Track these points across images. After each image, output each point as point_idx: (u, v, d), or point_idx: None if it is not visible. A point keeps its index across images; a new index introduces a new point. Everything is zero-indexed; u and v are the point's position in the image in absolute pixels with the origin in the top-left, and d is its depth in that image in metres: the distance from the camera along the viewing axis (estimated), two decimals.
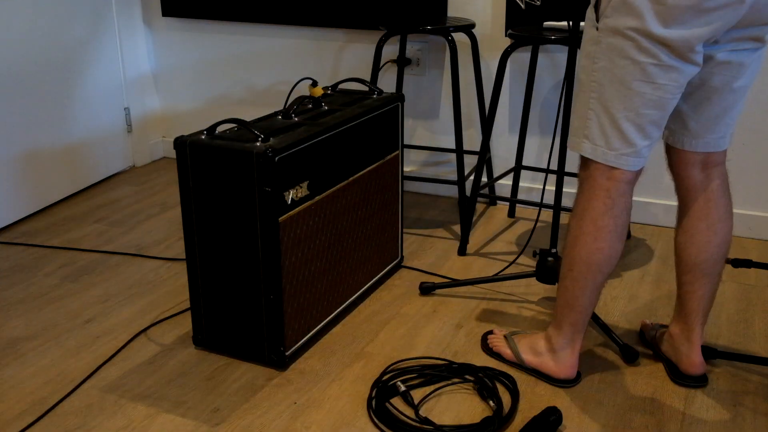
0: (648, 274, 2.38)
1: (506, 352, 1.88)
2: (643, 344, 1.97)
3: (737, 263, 1.92)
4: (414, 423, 1.64)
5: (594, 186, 1.60)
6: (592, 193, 1.60)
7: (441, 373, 1.82)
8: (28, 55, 2.83)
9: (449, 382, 1.80)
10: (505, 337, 1.93)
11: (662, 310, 2.15)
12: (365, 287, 2.22)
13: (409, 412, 1.70)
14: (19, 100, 2.81)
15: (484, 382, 1.77)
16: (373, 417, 1.68)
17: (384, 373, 1.83)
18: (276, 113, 2.03)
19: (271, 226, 1.75)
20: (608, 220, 1.60)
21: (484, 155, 2.55)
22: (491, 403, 1.69)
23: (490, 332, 1.99)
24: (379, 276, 2.28)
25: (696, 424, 1.66)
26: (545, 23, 2.46)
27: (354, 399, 1.76)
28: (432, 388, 1.79)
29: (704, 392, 1.78)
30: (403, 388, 1.74)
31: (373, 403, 1.72)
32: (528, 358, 1.84)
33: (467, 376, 1.82)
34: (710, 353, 1.87)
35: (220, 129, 1.84)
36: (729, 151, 2.61)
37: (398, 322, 2.09)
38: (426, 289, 2.25)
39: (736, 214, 2.64)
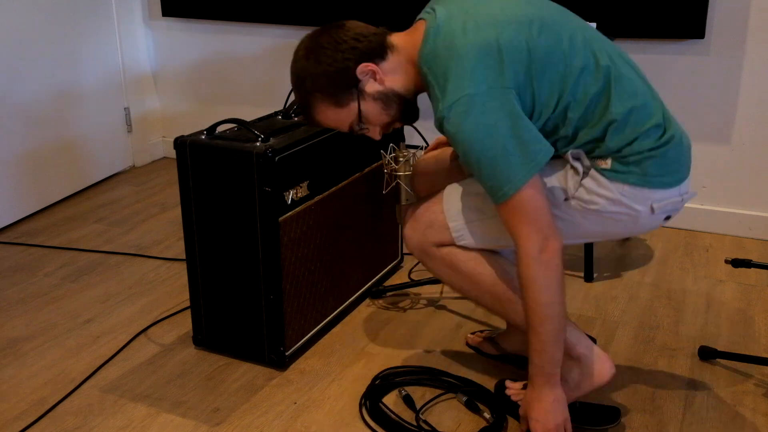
0: (648, 274, 2.38)
1: None
2: (481, 353, 1.88)
3: (737, 263, 1.92)
4: (413, 428, 1.64)
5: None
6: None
7: (434, 382, 1.80)
8: (29, 54, 2.83)
9: (443, 391, 1.77)
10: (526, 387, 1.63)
11: (662, 310, 2.15)
12: (365, 287, 2.22)
13: (407, 415, 1.70)
14: (19, 100, 2.81)
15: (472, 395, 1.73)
16: (366, 417, 1.68)
17: (376, 378, 1.83)
18: (276, 113, 2.03)
19: (271, 226, 1.75)
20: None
21: None
22: (486, 414, 1.67)
23: (503, 386, 1.71)
24: (379, 276, 2.28)
25: (696, 424, 1.66)
26: None
27: (354, 399, 1.76)
28: (426, 391, 1.79)
29: (704, 392, 1.78)
30: (404, 392, 1.74)
31: (367, 403, 1.72)
32: (569, 395, 1.56)
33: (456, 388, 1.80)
34: (710, 353, 1.87)
35: (220, 129, 1.84)
36: (729, 150, 2.62)
37: (398, 322, 2.09)
38: (377, 294, 2.23)
39: (736, 214, 2.64)
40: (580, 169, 1.47)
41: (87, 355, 1.95)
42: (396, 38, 1.51)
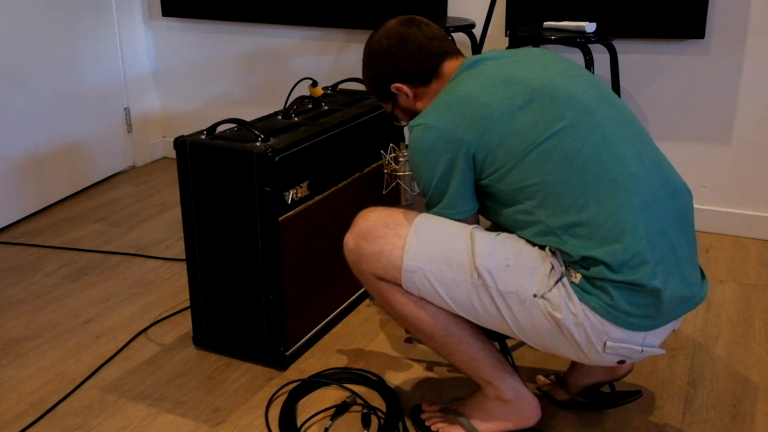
0: None
1: None
2: (551, 400, 1.75)
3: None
4: None
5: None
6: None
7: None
8: (29, 54, 2.83)
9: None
10: (444, 412, 1.65)
11: None
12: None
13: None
14: (19, 100, 2.81)
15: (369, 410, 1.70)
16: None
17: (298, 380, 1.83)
18: (276, 113, 2.03)
19: (271, 226, 1.75)
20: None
21: None
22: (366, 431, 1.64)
23: (419, 409, 1.69)
24: None
25: (696, 424, 1.66)
26: (545, 23, 2.46)
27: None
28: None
29: (704, 392, 1.78)
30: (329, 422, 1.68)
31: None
32: (489, 427, 1.58)
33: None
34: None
35: (220, 129, 1.84)
36: (729, 150, 2.63)
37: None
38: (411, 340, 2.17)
39: (736, 214, 2.64)
40: (559, 268, 1.37)
41: (87, 355, 1.95)
42: (450, 65, 1.53)
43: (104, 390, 1.81)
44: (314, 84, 2.13)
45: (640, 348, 1.38)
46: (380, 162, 2.16)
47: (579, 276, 1.36)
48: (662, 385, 1.81)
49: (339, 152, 1.97)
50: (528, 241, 1.41)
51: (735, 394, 1.77)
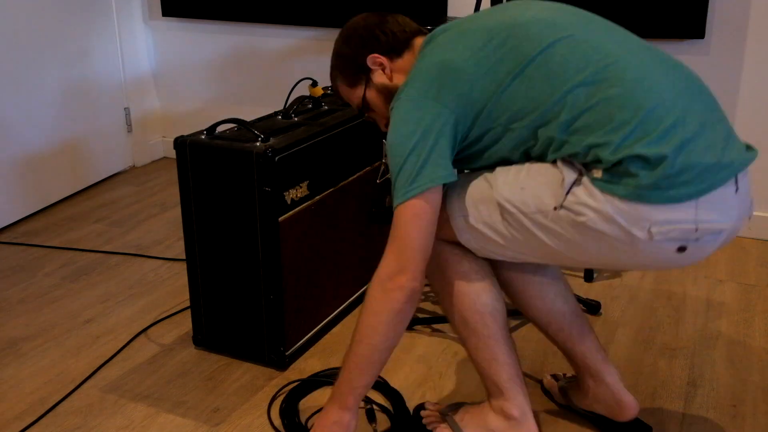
0: (648, 274, 2.38)
1: None
2: (551, 400, 1.74)
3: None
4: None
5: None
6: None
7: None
8: (28, 55, 2.83)
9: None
10: (441, 414, 1.63)
11: (662, 310, 2.15)
12: (366, 287, 2.22)
13: None
14: (19, 100, 2.81)
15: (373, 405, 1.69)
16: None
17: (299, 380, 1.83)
18: (276, 113, 2.03)
19: (271, 226, 1.75)
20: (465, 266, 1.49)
21: None
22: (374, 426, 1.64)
23: (422, 407, 1.69)
24: None
25: (696, 424, 1.66)
26: None
27: None
28: None
29: (704, 392, 1.78)
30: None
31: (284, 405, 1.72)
32: None
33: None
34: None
35: (220, 129, 1.84)
36: None
37: None
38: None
39: None
40: (570, 174, 1.32)
41: (87, 355, 1.95)
42: (418, 41, 1.52)
43: (104, 390, 1.81)
44: (314, 84, 2.13)
45: (693, 225, 1.26)
46: (379, 162, 2.16)
47: (600, 171, 1.28)
48: (662, 385, 1.81)
49: (339, 152, 1.97)
50: (537, 160, 1.37)
51: (735, 394, 1.77)
